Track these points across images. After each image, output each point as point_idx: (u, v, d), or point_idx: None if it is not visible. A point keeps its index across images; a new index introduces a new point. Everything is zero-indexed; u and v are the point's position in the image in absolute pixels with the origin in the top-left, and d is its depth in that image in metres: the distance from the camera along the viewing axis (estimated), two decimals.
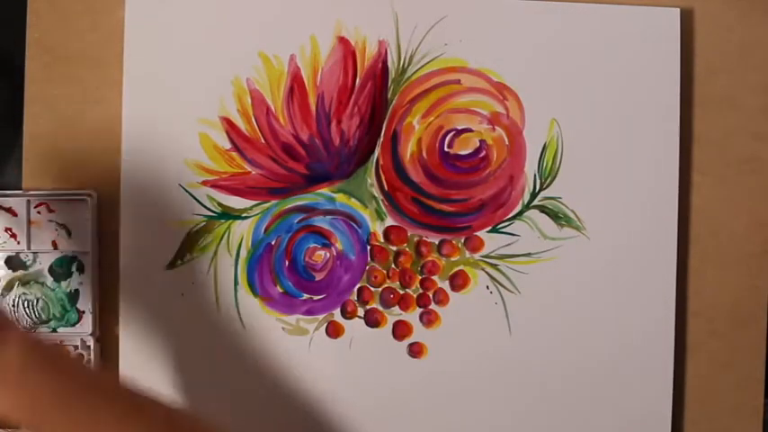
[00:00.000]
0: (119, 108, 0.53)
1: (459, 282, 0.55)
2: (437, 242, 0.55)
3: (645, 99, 0.55)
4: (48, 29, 0.53)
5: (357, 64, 0.54)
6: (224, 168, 0.53)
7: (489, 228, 0.55)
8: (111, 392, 0.41)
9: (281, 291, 0.54)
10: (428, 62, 0.54)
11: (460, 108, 0.55)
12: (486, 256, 0.55)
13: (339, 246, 0.54)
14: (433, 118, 0.54)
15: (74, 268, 0.53)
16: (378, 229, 0.54)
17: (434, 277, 0.55)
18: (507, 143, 0.55)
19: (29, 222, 0.53)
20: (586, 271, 0.55)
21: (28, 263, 0.53)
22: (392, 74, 0.54)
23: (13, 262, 0.53)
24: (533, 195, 0.55)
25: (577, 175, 0.55)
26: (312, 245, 0.54)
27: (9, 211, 0.53)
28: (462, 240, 0.55)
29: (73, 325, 0.53)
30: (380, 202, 0.54)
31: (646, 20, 0.55)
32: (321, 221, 0.54)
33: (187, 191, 0.53)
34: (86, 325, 0.53)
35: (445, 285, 0.55)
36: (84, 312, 0.53)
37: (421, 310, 0.55)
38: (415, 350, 0.54)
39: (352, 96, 0.54)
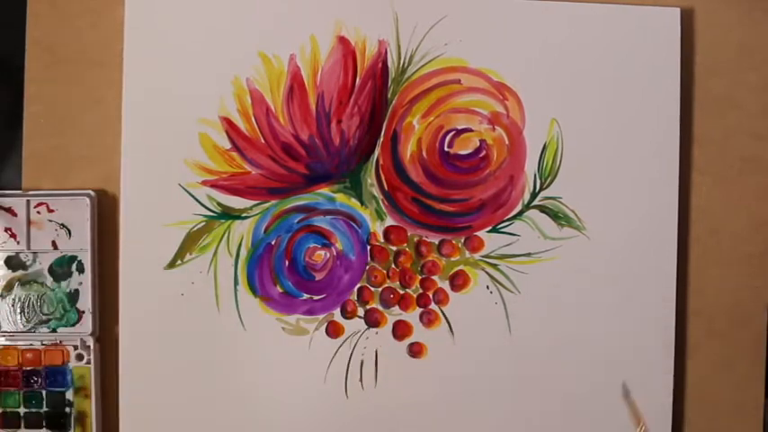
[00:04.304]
0: (119, 108, 0.53)
1: (459, 282, 0.55)
2: (437, 242, 0.55)
3: (645, 99, 0.55)
4: (48, 29, 0.53)
5: (357, 64, 0.54)
6: (224, 168, 0.53)
7: (489, 228, 0.55)
8: None
9: (281, 291, 0.54)
10: (428, 62, 0.54)
11: (460, 108, 0.55)
12: (487, 256, 0.55)
13: (339, 246, 0.54)
14: (432, 118, 0.54)
15: (74, 268, 0.53)
16: (378, 228, 0.54)
17: (434, 277, 0.55)
18: (507, 143, 0.55)
19: (29, 222, 0.53)
20: (586, 271, 0.55)
21: (28, 263, 0.53)
22: (392, 74, 0.54)
23: (12, 262, 0.53)
24: (533, 195, 0.55)
25: (577, 175, 0.55)
26: (312, 245, 0.54)
27: (9, 211, 0.53)
28: (462, 240, 0.55)
29: (73, 325, 0.53)
30: (380, 201, 0.54)
31: (646, 20, 0.55)
32: (321, 221, 0.54)
33: (187, 191, 0.53)
34: (86, 325, 0.53)
35: (445, 285, 0.55)
36: (84, 312, 0.53)
37: (421, 310, 0.55)
38: (415, 350, 0.55)
39: (352, 96, 0.54)
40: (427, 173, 0.55)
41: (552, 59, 0.55)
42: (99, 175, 0.54)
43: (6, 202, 0.53)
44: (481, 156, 0.55)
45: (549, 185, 0.55)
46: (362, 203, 0.54)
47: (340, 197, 0.54)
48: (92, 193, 0.53)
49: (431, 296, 0.55)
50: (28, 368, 0.53)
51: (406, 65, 0.54)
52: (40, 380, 0.53)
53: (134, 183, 0.53)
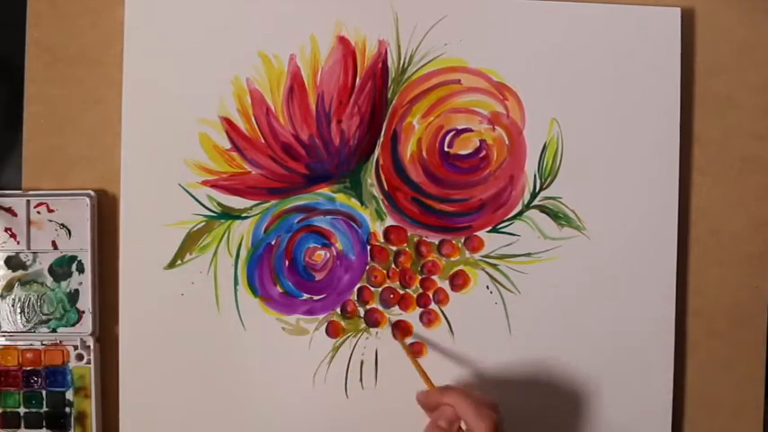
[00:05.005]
0: (119, 108, 0.53)
1: (459, 282, 0.55)
2: (437, 242, 0.55)
3: (645, 99, 0.55)
4: (48, 29, 0.53)
5: (357, 64, 0.54)
6: (224, 168, 0.53)
7: (489, 228, 0.55)
8: None
9: (281, 291, 0.54)
10: (428, 62, 0.54)
11: (460, 108, 0.55)
12: (486, 256, 0.55)
13: (339, 246, 0.54)
14: (432, 118, 0.54)
15: (74, 268, 0.53)
16: (378, 228, 0.54)
17: (434, 277, 0.55)
18: (507, 143, 0.55)
19: (29, 222, 0.53)
20: (587, 271, 0.55)
21: (28, 263, 0.53)
22: (392, 74, 0.54)
23: (12, 262, 0.53)
24: (533, 195, 0.55)
25: (577, 175, 0.55)
26: (312, 245, 0.54)
27: (9, 211, 0.53)
28: (462, 240, 0.55)
29: (73, 325, 0.53)
30: (380, 201, 0.54)
31: (646, 20, 0.55)
32: (321, 221, 0.54)
33: (187, 191, 0.53)
34: (86, 325, 0.53)
35: (445, 285, 0.55)
36: (84, 312, 0.53)
37: (421, 310, 0.55)
38: (415, 350, 0.54)
39: (352, 96, 0.54)
40: (427, 173, 0.54)
41: (552, 59, 0.55)
42: (99, 175, 0.54)
43: (6, 202, 0.53)
44: (481, 156, 0.55)
45: (549, 185, 0.55)
46: (362, 203, 0.54)
47: (340, 197, 0.54)
48: (92, 193, 0.53)
49: (431, 296, 0.55)
50: (28, 368, 0.53)
51: (406, 65, 0.54)
52: (40, 380, 0.53)
53: (134, 183, 0.53)
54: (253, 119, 0.54)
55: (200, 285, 0.53)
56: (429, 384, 0.50)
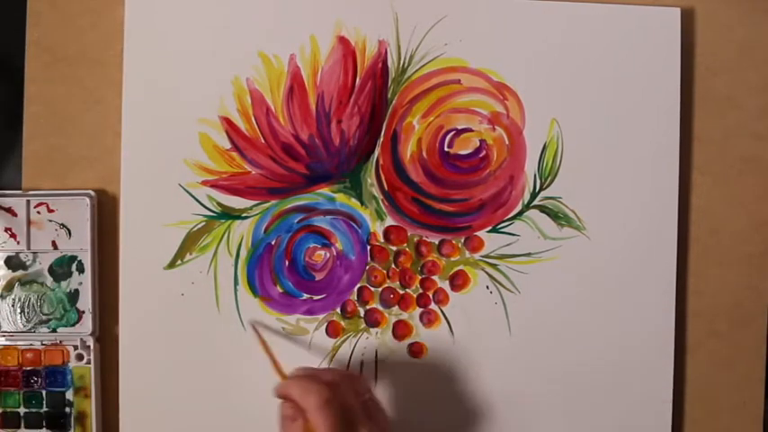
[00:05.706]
0: (119, 108, 0.53)
1: (459, 282, 0.55)
2: (437, 242, 0.55)
3: (645, 99, 0.55)
4: (48, 29, 0.53)
5: (357, 64, 0.54)
6: (224, 168, 0.53)
7: (489, 228, 0.55)
8: None
9: (281, 291, 0.54)
10: (428, 62, 0.54)
11: (460, 108, 0.55)
12: (486, 256, 0.55)
13: (339, 246, 0.54)
14: (432, 118, 0.54)
15: (74, 268, 0.53)
16: (378, 228, 0.54)
17: (434, 277, 0.55)
18: (507, 143, 0.55)
19: (29, 222, 0.53)
20: (587, 271, 0.55)
21: (28, 263, 0.53)
22: (392, 74, 0.54)
23: (12, 262, 0.53)
24: (533, 195, 0.55)
25: (577, 175, 0.55)
26: (312, 245, 0.54)
27: (9, 211, 0.53)
28: (462, 240, 0.55)
29: (73, 325, 0.53)
30: (380, 201, 0.54)
31: (646, 20, 0.55)
32: (321, 221, 0.54)
33: (187, 191, 0.53)
34: (86, 325, 0.53)
35: (445, 285, 0.55)
36: (84, 312, 0.53)
37: (421, 310, 0.55)
38: (415, 350, 0.55)
39: (352, 96, 0.54)
40: (427, 173, 0.55)
41: (552, 59, 0.55)
42: (99, 175, 0.54)
43: (6, 202, 0.53)
44: (481, 156, 0.55)
45: (549, 185, 0.55)
46: (362, 203, 0.54)
47: (340, 197, 0.54)
48: (92, 193, 0.53)
49: (431, 296, 0.55)
50: (28, 368, 0.53)
51: (406, 65, 0.54)
52: (40, 380, 0.53)
53: (134, 183, 0.53)
54: (253, 119, 0.54)
55: (201, 285, 0.53)
56: (280, 374, 0.50)
